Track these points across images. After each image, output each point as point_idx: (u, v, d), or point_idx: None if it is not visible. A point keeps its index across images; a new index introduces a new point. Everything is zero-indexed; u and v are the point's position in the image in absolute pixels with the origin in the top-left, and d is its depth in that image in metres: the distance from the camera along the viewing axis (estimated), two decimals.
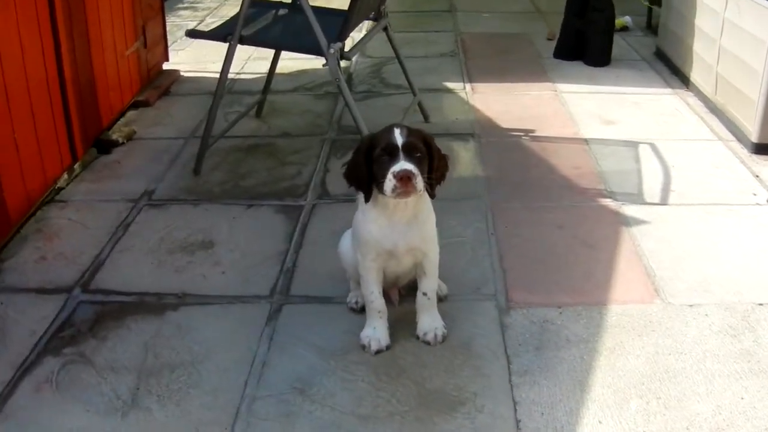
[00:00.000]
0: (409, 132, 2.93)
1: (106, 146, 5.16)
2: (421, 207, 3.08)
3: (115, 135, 5.27)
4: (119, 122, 5.54)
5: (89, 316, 3.45)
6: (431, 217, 3.17)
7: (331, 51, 4.25)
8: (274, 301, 3.51)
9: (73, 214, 4.32)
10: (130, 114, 5.74)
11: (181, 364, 3.12)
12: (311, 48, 4.38)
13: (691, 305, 3.43)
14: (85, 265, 3.83)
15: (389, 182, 2.86)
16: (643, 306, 3.43)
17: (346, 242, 3.38)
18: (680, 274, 3.65)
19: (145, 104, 5.92)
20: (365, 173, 2.98)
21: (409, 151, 2.89)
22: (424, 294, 3.23)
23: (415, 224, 3.08)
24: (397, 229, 3.06)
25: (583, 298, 3.49)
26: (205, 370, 3.09)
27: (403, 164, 2.86)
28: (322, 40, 4.26)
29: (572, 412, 2.84)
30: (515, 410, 2.85)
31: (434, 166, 3.00)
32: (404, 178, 2.84)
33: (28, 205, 4.20)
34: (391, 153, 2.89)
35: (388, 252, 3.10)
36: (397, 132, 2.91)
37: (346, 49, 4.43)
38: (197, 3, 9.29)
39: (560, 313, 3.38)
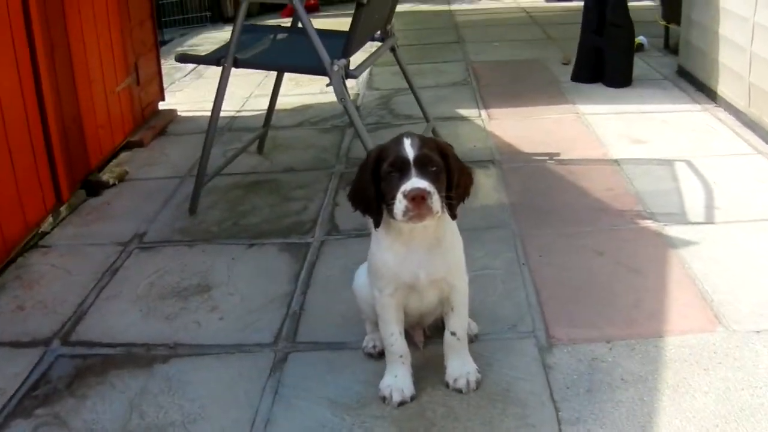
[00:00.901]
0: (423, 142, 2.49)
1: (95, 188, 4.78)
2: (443, 230, 2.63)
3: (106, 176, 4.90)
4: (111, 163, 5.17)
5: (68, 372, 3.04)
6: (457, 242, 2.72)
7: (335, 68, 3.85)
8: (278, 349, 3.09)
9: (56, 259, 3.93)
10: (123, 155, 5.39)
11: (171, 425, 2.69)
12: (313, 67, 4.00)
13: (758, 331, 3.00)
14: (66, 314, 3.43)
15: (399, 204, 2.42)
16: (705, 335, 3.00)
17: (361, 277, 2.94)
18: (740, 296, 3.24)
19: (139, 145, 5.57)
20: (373, 193, 2.54)
21: (423, 166, 2.45)
22: (453, 333, 2.77)
23: (438, 251, 2.63)
24: (416, 257, 2.62)
25: (635, 329, 3.06)
26: (198, 431, 2.66)
27: (414, 182, 2.41)
28: (325, 57, 3.87)
29: None
30: None
31: (454, 181, 2.55)
32: (417, 199, 2.39)
33: (6, 252, 3.82)
34: (401, 168, 2.45)
35: (407, 285, 2.66)
36: (407, 143, 2.47)
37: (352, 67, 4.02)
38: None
39: (610, 348, 2.94)
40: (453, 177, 2.54)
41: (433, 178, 2.45)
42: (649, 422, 2.56)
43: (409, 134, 2.51)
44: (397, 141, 2.49)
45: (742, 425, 2.52)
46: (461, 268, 2.75)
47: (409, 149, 2.45)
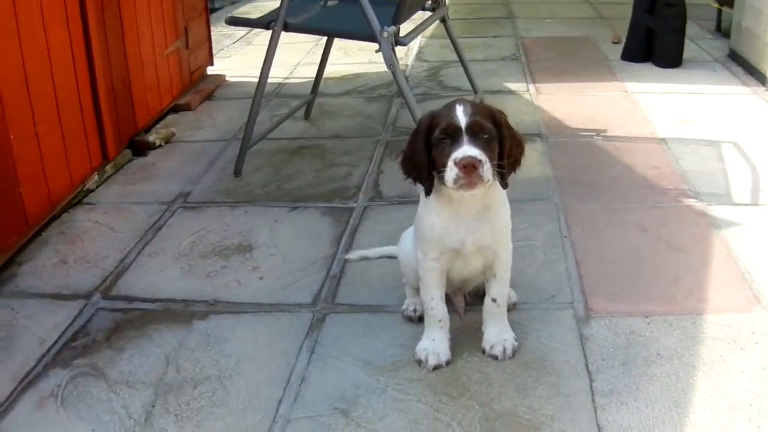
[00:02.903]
0: (475, 109, 2.46)
1: (141, 148, 4.82)
2: (492, 198, 2.61)
3: (152, 137, 4.92)
4: (158, 125, 5.18)
5: (107, 325, 3.07)
6: (505, 210, 2.70)
7: (385, 35, 3.84)
8: (317, 310, 3.10)
9: (100, 216, 3.96)
10: (170, 117, 5.41)
11: (206, 380, 2.72)
12: (363, 33, 3.99)
13: None
14: (107, 269, 3.46)
15: (450, 171, 2.40)
16: (743, 315, 2.97)
17: (406, 241, 2.94)
18: None
19: (187, 108, 5.59)
20: (425, 160, 2.52)
21: (475, 133, 2.42)
22: (494, 300, 2.77)
23: (486, 218, 2.62)
24: (464, 224, 2.61)
25: (674, 306, 3.04)
26: (233, 386, 2.68)
27: (467, 149, 2.39)
28: (375, 24, 3.87)
29: None
30: None
31: (506, 149, 2.53)
32: (468, 167, 2.37)
33: (50, 207, 3.84)
34: (453, 135, 2.42)
35: (453, 250, 2.65)
36: (459, 109, 2.44)
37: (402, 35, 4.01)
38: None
39: (648, 323, 2.92)
40: (505, 145, 2.52)
41: (485, 146, 2.43)
42: (684, 397, 2.54)
43: (461, 101, 2.48)
44: (450, 107, 2.47)
45: None
46: (507, 236, 2.73)
47: (462, 116, 2.42)
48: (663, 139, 4.70)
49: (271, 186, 4.23)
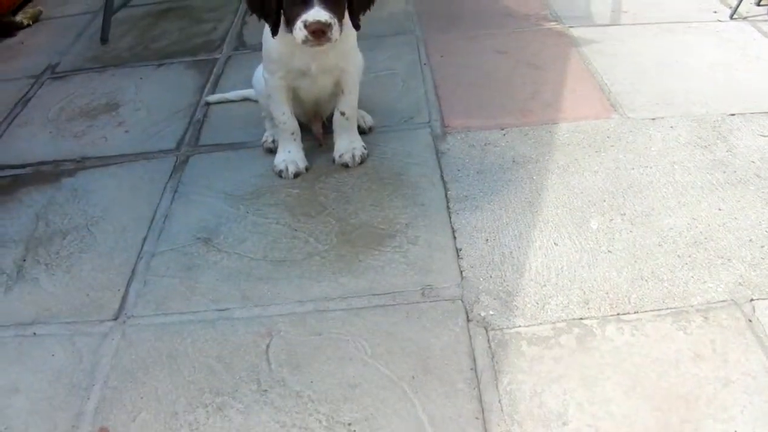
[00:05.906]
0: None
1: (9, 28, 4.73)
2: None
3: (19, 17, 4.83)
4: (26, 6, 5.07)
5: None
6: (350, 34, 2.71)
7: None
8: (180, 154, 3.14)
9: None
10: None
11: (74, 229, 2.76)
12: None
13: (653, 118, 3.05)
14: None
15: (300, 32, 2.43)
16: (599, 122, 3.05)
17: (258, 71, 2.96)
18: (639, 88, 3.28)
19: None
20: (273, 5, 2.52)
21: None
22: (342, 114, 2.84)
23: (332, 47, 2.62)
24: (309, 52, 2.62)
25: (531, 118, 3.12)
26: (100, 231, 2.72)
27: (317, 13, 2.41)
28: None
29: (522, 235, 2.47)
30: (455, 238, 2.49)
31: None
32: (317, 32, 2.41)
33: None
34: None
35: (299, 70, 2.69)
36: None
37: None
38: None
39: (504, 134, 3.00)
40: None
41: (335, 5, 2.44)
42: (537, 197, 2.63)
43: None
44: None
45: (629, 200, 2.60)
46: (352, 54, 2.77)
47: None
48: None
49: (137, 48, 4.21)
